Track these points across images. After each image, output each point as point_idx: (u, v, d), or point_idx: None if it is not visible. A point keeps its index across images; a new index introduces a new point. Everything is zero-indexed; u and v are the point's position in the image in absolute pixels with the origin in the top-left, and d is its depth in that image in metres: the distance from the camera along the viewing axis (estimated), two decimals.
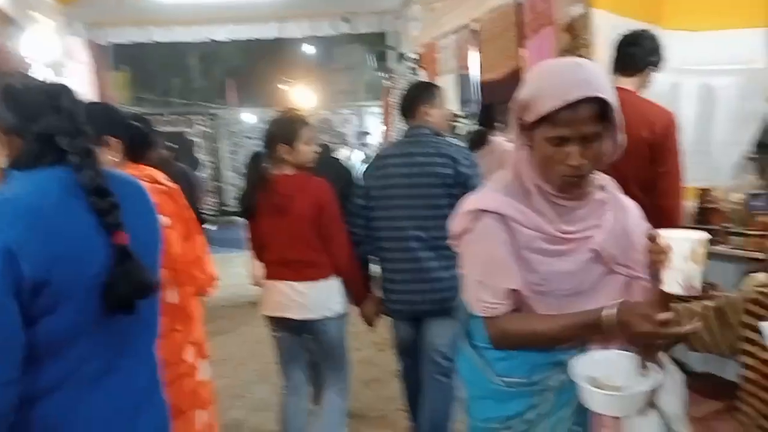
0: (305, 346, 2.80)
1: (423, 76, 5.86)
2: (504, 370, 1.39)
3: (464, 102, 5.54)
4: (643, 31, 2.68)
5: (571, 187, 1.34)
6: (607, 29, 3.12)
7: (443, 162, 2.56)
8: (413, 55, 6.39)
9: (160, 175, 2.11)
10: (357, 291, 2.74)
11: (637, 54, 2.60)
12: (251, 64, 20.28)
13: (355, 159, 9.08)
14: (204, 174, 12.53)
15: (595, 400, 1.24)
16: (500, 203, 1.35)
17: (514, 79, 4.19)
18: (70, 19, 5.98)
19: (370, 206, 2.69)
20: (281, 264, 2.65)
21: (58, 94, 1.22)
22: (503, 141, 4.01)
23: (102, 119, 1.87)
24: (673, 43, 2.85)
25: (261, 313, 2.78)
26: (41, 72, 4.59)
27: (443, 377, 2.66)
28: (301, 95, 14.44)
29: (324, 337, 2.71)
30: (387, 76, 7.55)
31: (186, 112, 14.42)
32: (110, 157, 1.89)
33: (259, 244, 2.73)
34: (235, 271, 5.75)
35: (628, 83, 2.59)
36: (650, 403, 1.22)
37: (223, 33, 7.36)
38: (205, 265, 2.27)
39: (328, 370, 2.82)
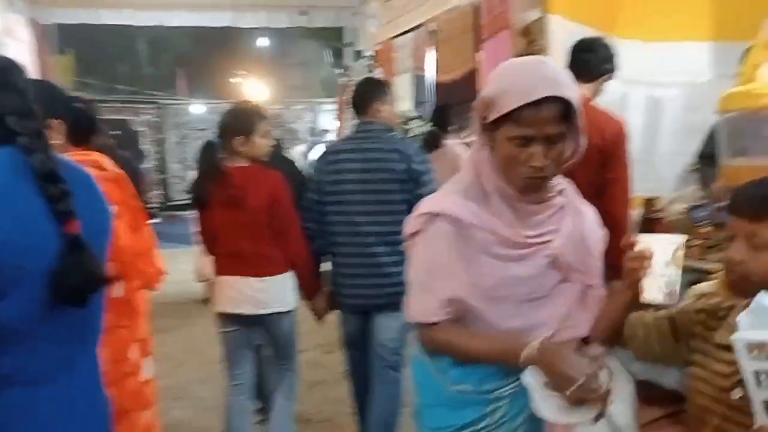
0: (254, 343, 2.76)
1: (379, 75, 5.86)
2: (457, 378, 1.36)
3: (419, 103, 5.56)
4: (598, 38, 2.72)
5: (532, 190, 1.31)
6: (562, 35, 3.17)
7: (397, 157, 2.58)
8: (370, 53, 6.38)
9: (107, 161, 2.01)
10: (310, 285, 2.72)
11: (591, 60, 2.63)
12: (203, 54, 19.83)
13: (312, 156, 8.96)
14: (149, 165, 12.14)
15: (547, 408, 1.23)
16: (457, 206, 1.32)
17: (469, 80, 4.23)
18: None
19: (323, 201, 2.67)
20: (234, 257, 2.60)
21: (8, 70, 1.14)
22: (456, 144, 4.03)
23: (44, 99, 1.77)
24: (626, 52, 2.91)
25: (214, 310, 2.71)
26: None
27: (391, 370, 2.67)
28: (254, 89, 14.23)
29: (278, 333, 2.68)
30: (343, 72, 7.51)
31: (132, 101, 13.99)
32: (52, 140, 1.79)
33: (211, 236, 2.67)
34: (179, 267, 5.57)
35: (582, 89, 2.62)
36: (602, 412, 1.22)
37: (175, 19, 7.16)
38: (153, 258, 2.18)
39: (277, 372, 2.78)
